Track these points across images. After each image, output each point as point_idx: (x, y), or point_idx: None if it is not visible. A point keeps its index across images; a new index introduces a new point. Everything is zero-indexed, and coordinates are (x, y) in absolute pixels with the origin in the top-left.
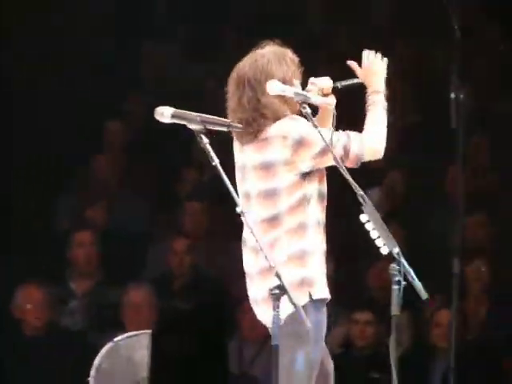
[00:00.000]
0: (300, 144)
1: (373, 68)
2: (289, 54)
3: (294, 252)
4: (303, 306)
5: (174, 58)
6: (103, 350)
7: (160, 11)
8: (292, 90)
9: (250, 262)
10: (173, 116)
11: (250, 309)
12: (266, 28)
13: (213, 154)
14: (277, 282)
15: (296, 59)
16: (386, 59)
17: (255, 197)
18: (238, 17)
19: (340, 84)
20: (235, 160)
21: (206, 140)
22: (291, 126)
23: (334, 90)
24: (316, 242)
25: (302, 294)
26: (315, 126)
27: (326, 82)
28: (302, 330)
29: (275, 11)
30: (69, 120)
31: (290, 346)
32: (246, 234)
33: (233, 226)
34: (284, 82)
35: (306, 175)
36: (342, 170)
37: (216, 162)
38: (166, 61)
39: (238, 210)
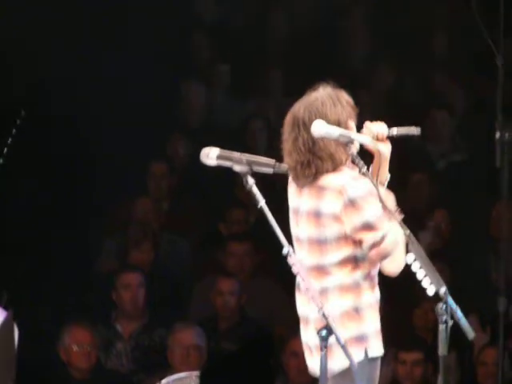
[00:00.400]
0: (351, 204)
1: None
2: (344, 96)
3: (348, 308)
4: (358, 363)
5: (216, 98)
6: None
7: (200, 51)
8: (337, 132)
9: (305, 306)
10: (218, 157)
11: (298, 352)
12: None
13: (259, 195)
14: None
15: (351, 100)
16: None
17: (306, 242)
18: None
19: (395, 131)
20: (289, 201)
21: (251, 181)
22: (351, 183)
23: (389, 138)
24: (370, 298)
25: (359, 351)
26: (360, 169)
27: (380, 128)
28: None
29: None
30: (113, 162)
31: None
32: (299, 278)
33: (279, 267)
34: (339, 124)
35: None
36: (389, 211)
37: (262, 203)
38: (209, 101)
39: (285, 251)
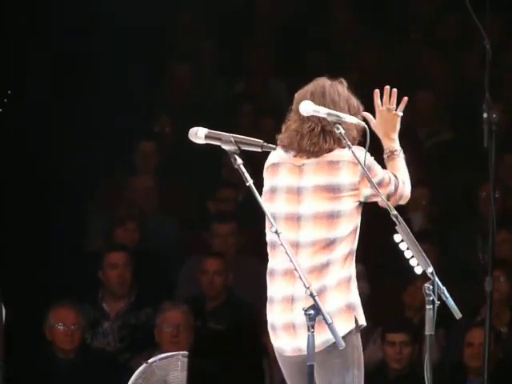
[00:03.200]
0: (367, 171)
1: (387, 126)
2: (345, 85)
3: (344, 278)
4: (349, 332)
5: (202, 76)
6: (137, 372)
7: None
8: (325, 111)
9: (287, 287)
10: (206, 137)
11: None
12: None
13: (247, 174)
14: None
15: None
16: (400, 113)
17: (311, 218)
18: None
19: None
20: (278, 181)
21: (239, 161)
22: (361, 154)
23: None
24: (355, 268)
25: (349, 319)
26: (349, 147)
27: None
28: (349, 354)
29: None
30: (101, 142)
31: (339, 367)
32: (274, 263)
33: (266, 246)
34: (349, 106)
35: (360, 206)
36: (379, 194)
37: (250, 182)
38: (194, 79)
39: (273, 229)
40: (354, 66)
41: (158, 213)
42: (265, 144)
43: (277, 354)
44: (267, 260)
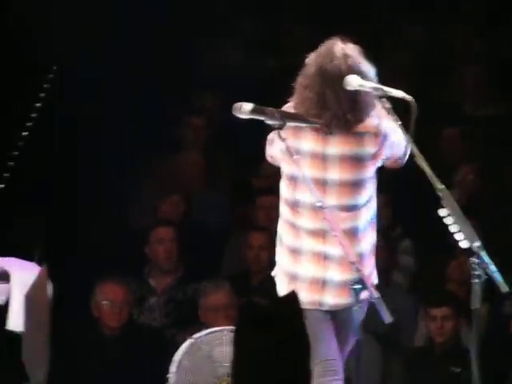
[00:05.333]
0: (385, 140)
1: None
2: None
3: (374, 242)
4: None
5: (241, 54)
6: (183, 347)
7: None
8: (370, 84)
9: (318, 244)
10: (251, 111)
11: None
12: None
13: (292, 148)
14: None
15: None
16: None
17: (337, 185)
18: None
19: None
20: (302, 146)
21: (284, 135)
22: (380, 123)
23: None
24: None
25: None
26: (396, 121)
27: None
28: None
29: None
30: (149, 116)
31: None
32: (300, 221)
33: None
34: (368, 75)
35: (376, 172)
36: (423, 166)
37: (296, 156)
38: (235, 58)
39: (318, 204)
40: (399, 40)
41: (204, 188)
42: (309, 119)
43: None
44: None
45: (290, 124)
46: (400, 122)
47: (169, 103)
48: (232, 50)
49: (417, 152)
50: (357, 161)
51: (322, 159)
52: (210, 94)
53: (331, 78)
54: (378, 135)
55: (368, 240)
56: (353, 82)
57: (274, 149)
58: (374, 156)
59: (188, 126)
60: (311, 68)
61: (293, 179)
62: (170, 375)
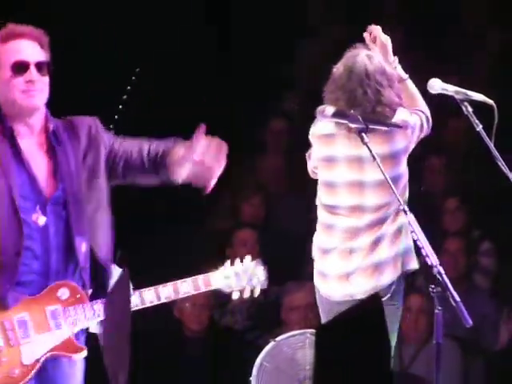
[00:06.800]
0: (412, 130)
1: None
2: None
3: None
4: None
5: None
6: (265, 349)
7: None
8: (453, 88)
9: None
10: (334, 115)
11: (414, 311)
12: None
13: (373, 152)
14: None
15: None
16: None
17: (373, 185)
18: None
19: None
20: (337, 152)
21: (367, 139)
22: (404, 116)
23: None
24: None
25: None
26: (477, 125)
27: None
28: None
29: None
30: (230, 118)
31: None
32: (334, 220)
33: None
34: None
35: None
36: (499, 162)
37: (378, 160)
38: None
39: (403, 207)
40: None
41: (285, 191)
42: (391, 122)
43: (321, 299)
44: None
45: (371, 126)
46: (481, 126)
47: (253, 104)
48: (318, 52)
49: (496, 154)
50: (392, 157)
51: (358, 162)
52: (292, 97)
53: (359, 76)
54: (406, 128)
55: (391, 227)
56: (435, 85)
57: (313, 160)
58: (406, 149)
59: (271, 128)
60: (339, 71)
61: (329, 185)
62: (251, 378)
